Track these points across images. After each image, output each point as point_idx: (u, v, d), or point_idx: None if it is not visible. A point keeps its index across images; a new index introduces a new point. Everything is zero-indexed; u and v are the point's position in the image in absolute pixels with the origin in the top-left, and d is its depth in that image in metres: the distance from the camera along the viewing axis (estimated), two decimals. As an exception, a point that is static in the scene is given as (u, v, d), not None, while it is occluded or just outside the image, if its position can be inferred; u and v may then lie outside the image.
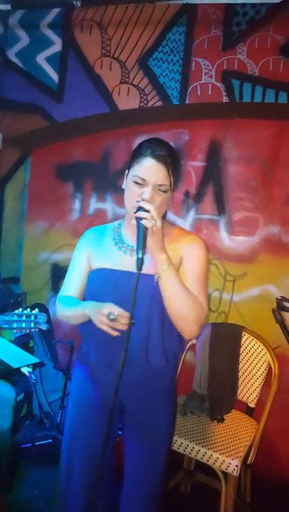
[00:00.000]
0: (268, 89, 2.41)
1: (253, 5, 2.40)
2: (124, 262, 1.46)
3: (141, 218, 1.33)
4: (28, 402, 2.87)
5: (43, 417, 2.88)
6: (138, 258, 1.29)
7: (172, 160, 1.42)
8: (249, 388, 2.13)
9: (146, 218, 1.32)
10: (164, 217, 1.60)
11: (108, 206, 2.91)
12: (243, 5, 2.40)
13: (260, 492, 1.99)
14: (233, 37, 2.43)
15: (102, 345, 1.50)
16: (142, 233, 1.32)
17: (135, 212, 1.35)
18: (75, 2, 2.56)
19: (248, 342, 2.18)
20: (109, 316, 1.31)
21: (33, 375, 1.61)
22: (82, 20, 2.65)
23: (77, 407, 1.62)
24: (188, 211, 2.76)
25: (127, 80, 2.57)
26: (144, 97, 2.55)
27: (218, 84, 2.46)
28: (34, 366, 1.66)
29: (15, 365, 1.60)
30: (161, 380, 1.55)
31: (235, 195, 2.69)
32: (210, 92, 2.47)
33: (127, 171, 1.49)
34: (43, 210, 3.07)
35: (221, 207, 2.72)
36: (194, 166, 2.74)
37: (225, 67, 2.45)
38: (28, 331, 1.80)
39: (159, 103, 2.54)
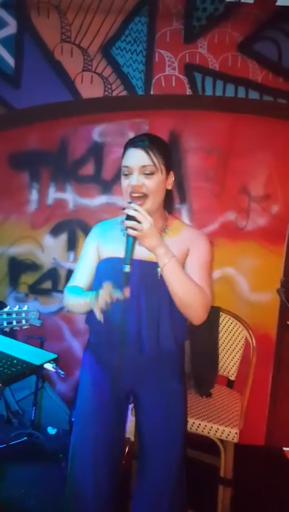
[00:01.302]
0: (228, 83, 2.57)
1: (212, 1, 2.52)
2: (137, 252, 1.52)
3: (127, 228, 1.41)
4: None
5: (10, 417, 2.81)
6: (124, 273, 1.38)
7: (152, 144, 1.51)
8: (229, 363, 2.31)
9: (131, 227, 1.39)
10: (171, 205, 1.66)
11: (69, 196, 2.90)
12: (203, 0, 2.52)
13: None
14: (194, 31, 2.57)
15: (109, 333, 1.57)
16: (130, 244, 1.40)
17: (123, 222, 1.44)
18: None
19: (225, 321, 2.35)
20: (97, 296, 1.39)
21: (60, 370, 1.60)
22: (39, 2, 2.57)
23: (88, 396, 1.67)
24: (151, 200, 2.84)
25: (89, 67, 2.59)
26: (109, 86, 2.59)
27: (182, 77, 2.57)
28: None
29: (37, 362, 1.58)
30: (172, 364, 1.66)
31: (195, 185, 2.84)
32: (174, 84, 2.58)
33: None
34: (-4, 202, 2.96)
35: (182, 196, 2.85)
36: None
37: (187, 60, 2.55)
38: (18, 329, 1.76)
39: (124, 93, 2.59)
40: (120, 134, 2.85)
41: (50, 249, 2.97)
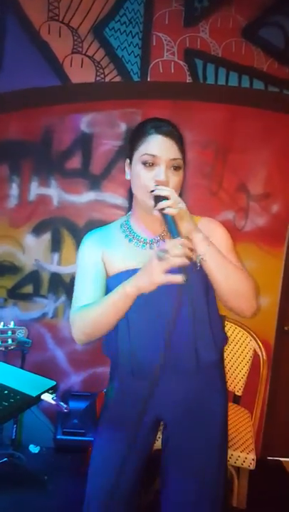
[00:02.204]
0: (232, 72, 2.39)
1: (215, -19, 2.33)
2: (147, 258, 1.30)
3: (163, 208, 1.20)
4: None
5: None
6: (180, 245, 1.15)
7: (180, 135, 1.33)
8: (236, 377, 2.15)
9: (169, 206, 1.18)
10: None
11: (53, 192, 2.67)
12: (205, -20, 2.32)
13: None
14: (195, 13, 2.39)
15: (138, 354, 1.36)
16: (173, 223, 1.19)
17: (155, 206, 1.21)
18: None
19: (231, 330, 2.18)
20: (159, 255, 1.13)
21: (61, 403, 1.36)
22: (23, -26, 2.30)
23: (112, 429, 1.49)
24: (145, 197, 2.62)
25: (80, 49, 2.35)
26: (101, 71, 2.36)
27: (181, 63, 2.38)
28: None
29: (34, 393, 1.34)
30: (213, 377, 1.47)
31: (191, 181, 2.66)
32: (172, 71, 2.38)
33: (127, 159, 1.37)
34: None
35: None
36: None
37: (188, 45, 2.35)
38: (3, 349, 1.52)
39: (118, 78, 2.37)
40: (111, 125, 2.63)
41: (31, 250, 2.73)
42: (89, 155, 2.66)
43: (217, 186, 2.70)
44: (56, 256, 2.74)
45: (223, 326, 1.46)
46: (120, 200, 2.68)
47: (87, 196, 2.69)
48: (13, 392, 1.33)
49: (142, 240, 1.38)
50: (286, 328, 2.82)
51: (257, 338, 2.15)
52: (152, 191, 1.22)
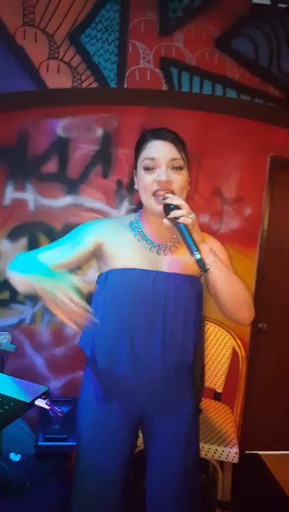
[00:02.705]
0: (206, 80, 2.49)
1: (188, -8, 2.42)
2: (155, 262, 1.40)
3: (177, 217, 1.26)
4: None
5: None
6: (199, 259, 1.23)
7: (178, 138, 1.40)
8: (216, 374, 2.24)
9: (183, 215, 1.25)
10: None
11: (29, 196, 2.68)
12: (179, -9, 2.41)
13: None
14: (170, 23, 2.46)
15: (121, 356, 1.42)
16: (187, 233, 1.25)
17: (167, 214, 1.28)
18: None
19: (211, 330, 2.26)
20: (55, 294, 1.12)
21: (56, 408, 1.39)
22: (-3, -22, 2.31)
23: (97, 421, 1.51)
24: (122, 201, 2.72)
25: (56, 55, 2.37)
26: (78, 77, 2.40)
27: (157, 71, 2.45)
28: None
29: (27, 399, 1.36)
30: (186, 379, 1.56)
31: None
32: (148, 78, 2.45)
33: (134, 170, 1.44)
34: None
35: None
36: (126, 153, 2.66)
37: (163, 54, 2.43)
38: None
39: (95, 84, 2.41)
40: (87, 130, 2.67)
41: (7, 256, 2.72)
42: (65, 159, 2.70)
43: (193, 191, 2.79)
44: (33, 261, 2.74)
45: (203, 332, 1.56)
46: (98, 204, 2.73)
47: (65, 200, 2.73)
48: (7, 399, 1.36)
49: (151, 243, 1.44)
50: (260, 326, 2.95)
51: (235, 337, 2.25)
52: (164, 199, 1.29)
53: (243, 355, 2.19)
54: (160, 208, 1.30)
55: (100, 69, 2.45)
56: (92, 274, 2.77)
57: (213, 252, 1.31)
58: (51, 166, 2.69)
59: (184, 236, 1.25)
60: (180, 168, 1.34)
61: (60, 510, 2.31)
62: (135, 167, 1.42)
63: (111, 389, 1.48)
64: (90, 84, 2.45)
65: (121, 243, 1.43)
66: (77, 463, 1.52)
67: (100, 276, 1.49)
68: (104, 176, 2.73)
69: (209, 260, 1.29)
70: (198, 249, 1.23)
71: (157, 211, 1.32)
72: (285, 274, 2.99)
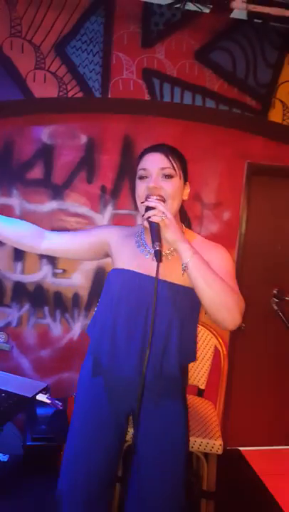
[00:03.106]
0: (186, 91, 2.62)
1: (169, 7, 2.55)
2: (149, 267, 1.50)
3: (150, 217, 1.38)
4: None
5: None
6: (156, 250, 1.35)
7: (171, 150, 1.51)
8: (199, 372, 2.36)
9: (154, 215, 1.38)
10: (187, 218, 1.68)
11: (15, 201, 2.76)
12: (160, 6, 2.54)
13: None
14: (152, 36, 2.60)
15: (114, 354, 1.53)
16: (155, 229, 1.38)
17: (143, 215, 1.41)
18: None
19: (193, 330, 2.39)
20: None
21: (56, 401, 1.49)
22: (-16, -10, 2.40)
23: (88, 414, 1.61)
24: (106, 206, 2.82)
25: (42, 65, 2.47)
26: (64, 87, 2.50)
27: (140, 81, 2.57)
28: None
29: (29, 394, 1.45)
30: (174, 386, 1.62)
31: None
32: (132, 88, 2.57)
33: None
34: None
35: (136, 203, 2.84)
36: (109, 160, 2.78)
37: (145, 65, 2.56)
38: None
39: (80, 94, 2.52)
40: (72, 137, 2.77)
41: (-7, 260, 2.79)
42: (50, 165, 2.79)
43: (173, 196, 2.91)
44: (19, 265, 2.82)
45: (195, 346, 1.61)
46: (83, 209, 2.83)
47: (50, 205, 2.82)
48: (10, 395, 1.45)
49: (148, 249, 1.55)
50: (240, 325, 3.09)
51: (217, 336, 2.38)
52: (142, 202, 1.42)
53: (225, 353, 2.33)
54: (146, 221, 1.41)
55: (85, 79, 2.55)
56: (77, 277, 2.87)
57: (192, 251, 1.37)
58: (37, 172, 2.78)
59: (152, 232, 1.37)
60: (170, 177, 1.46)
61: (48, 508, 2.39)
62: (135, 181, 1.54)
63: (104, 379, 1.59)
64: (75, 94, 2.55)
65: (124, 247, 1.59)
66: (67, 447, 1.62)
67: (109, 273, 1.63)
68: (89, 181, 2.83)
69: (186, 259, 1.36)
70: (159, 244, 1.35)
71: (144, 223, 1.43)
72: (262, 276, 3.14)
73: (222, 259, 1.53)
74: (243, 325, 3.10)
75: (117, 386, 1.57)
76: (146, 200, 1.43)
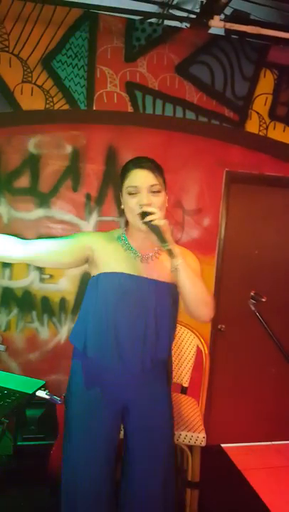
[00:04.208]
0: (167, 103, 2.80)
1: (150, 23, 2.72)
2: (138, 269, 1.69)
3: (151, 221, 1.55)
4: None
5: None
6: (169, 250, 1.53)
7: (155, 165, 1.69)
8: (182, 370, 2.54)
9: (155, 218, 1.55)
10: None
11: (3, 210, 2.89)
12: (142, 22, 2.71)
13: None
14: (134, 50, 2.78)
15: (104, 348, 1.69)
16: (159, 232, 1.54)
17: (143, 220, 1.57)
18: None
19: (177, 330, 2.57)
20: None
21: (55, 397, 1.64)
22: (-28, 6, 2.53)
23: (83, 410, 1.74)
24: (91, 213, 2.97)
25: (29, 79, 2.61)
26: (50, 99, 2.64)
27: (123, 94, 2.73)
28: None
29: (30, 391, 1.61)
30: (163, 371, 1.82)
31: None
32: (115, 101, 2.73)
33: (120, 192, 1.72)
34: None
35: (121, 209, 2.99)
36: (94, 169, 2.93)
37: (128, 78, 2.72)
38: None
39: (66, 106, 2.66)
40: (57, 146, 2.91)
41: (-19, 266, 2.91)
42: (37, 174, 2.93)
43: (156, 203, 3.09)
44: (7, 271, 2.95)
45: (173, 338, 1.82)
46: (68, 216, 2.98)
47: (36, 213, 2.96)
48: (12, 392, 1.59)
49: (136, 252, 1.71)
50: (219, 327, 3.30)
51: (199, 336, 2.57)
52: (140, 208, 1.58)
53: (207, 352, 2.51)
54: (143, 225, 1.57)
55: (71, 92, 2.71)
56: (63, 282, 3.02)
57: (182, 255, 1.59)
58: (23, 181, 2.92)
59: (157, 235, 1.53)
60: (158, 192, 1.64)
61: (39, 506, 2.53)
62: (121, 191, 1.70)
63: (98, 377, 1.72)
64: (61, 106, 2.71)
65: (110, 251, 1.71)
66: (66, 447, 1.76)
67: (92, 278, 1.76)
68: (74, 189, 2.98)
69: (178, 261, 1.56)
70: (169, 244, 1.52)
71: (141, 227, 1.60)
72: (241, 278, 3.34)
73: (193, 261, 1.77)
74: (223, 326, 3.31)
75: (116, 386, 1.72)
76: (145, 207, 1.58)
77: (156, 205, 1.62)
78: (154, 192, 1.63)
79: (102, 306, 1.68)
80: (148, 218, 1.55)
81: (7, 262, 1.76)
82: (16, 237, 1.75)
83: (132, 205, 1.63)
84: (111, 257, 1.71)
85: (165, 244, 1.52)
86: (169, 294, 1.70)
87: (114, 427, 1.77)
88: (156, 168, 1.67)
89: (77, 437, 1.73)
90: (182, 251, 1.70)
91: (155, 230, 1.54)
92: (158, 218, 1.55)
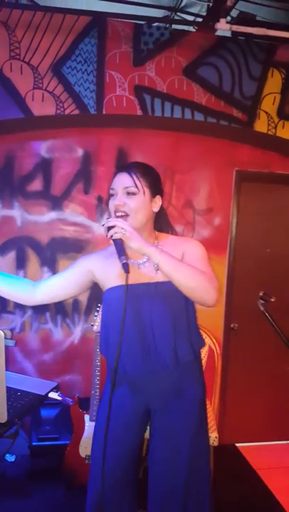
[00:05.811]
0: (176, 105, 2.89)
1: (158, 27, 2.82)
2: (140, 276, 1.75)
3: (112, 235, 1.61)
4: None
5: None
6: (123, 263, 1.57)
7: (137, 169, 1.74)
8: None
9: (115, 232, 1.60)
10: (161, 225, 1.89)
11: (16, 213, 3.01)
12: (149, 26, 2.81)
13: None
14: (142, 54, 2.86)
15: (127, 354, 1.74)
16: (119, 245, 1.61)
17: (106, 235, 1.63)
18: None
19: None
20: None
21: (68, 398, 1.74)
22: (-15, 17, 2.66)
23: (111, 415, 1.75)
24: (102, 215, 3.06)
25: (40, 85, 2.72)
26: (61, 105, 2.75)
27: (132, 98, 2.83)
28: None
29: (42, 392, 1.71)
30: (192, 373, 1.84)
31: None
32: (124, 105, 2.83)
33: None
34: None
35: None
36: (104, 171, 3.04)
37: (137, 82, 2.82)
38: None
39: (76, 111, 2.77)
40: (69, 150, 3.03)
41: (-4, 269, 3.03)
42: (49, 178, 3.05)
43: (167, 203, 3.18)
44: (22, 273, 3.07)
45: (199, 336, 1.85)
46: (80, 218, 3.10)
47: (49, 216, 3.08)
48: (25, 393, 1.69)
49: (132, 262, 1.75)
50: (232, 326, 3.38)
51: (211, 336, 2.65)
52: (103, 225, 1.64)
53: (219, 352, 2.59)
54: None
55: (81, 97, 2.82)
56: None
57: (158, 252, 1.61)
58: (36, 185, 3.04)
59: (116, 247, 1.59)
60: (133, 194, 1.69)
61: (55, 506, 2.63)
62: None
63: (124, 383, 1.79)
64: (72, 111, 2.81)
65: (108, 267, 1.79)
66: (95, 443, 1.82)
67: (103, 294, 1.84)
68: (86, 192, 3.10)
69: (155, 260, 1.61)
70: (125, 257, 1.57)
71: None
72: (252, 277, 3.42)
73: (193, 248, 1.79)
74: (236, 325, 3.38)
75: (141, 389, 1.79)
76: (106, 222, 1.63)
77: (130, 207, 1.69)
78: (129, 194, 1.70)
79: (113, 320, 1.74)
80: (109, 234, 1.60)
81: (26, 304, 1.85)
82: (30, 282, 1.86)
83: (110, 207, 1.73)
84: (110, 273, 1.78)
85: (121, 258, 1.56)
86: (175, 290, 1.71)
87: (139, 422, 1.83)
88: (137, 171, 1.73)
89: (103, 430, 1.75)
90: (185, 242, 1.79)
91: (116, 242, 1.60)
92: (119, 230, 1.58)
